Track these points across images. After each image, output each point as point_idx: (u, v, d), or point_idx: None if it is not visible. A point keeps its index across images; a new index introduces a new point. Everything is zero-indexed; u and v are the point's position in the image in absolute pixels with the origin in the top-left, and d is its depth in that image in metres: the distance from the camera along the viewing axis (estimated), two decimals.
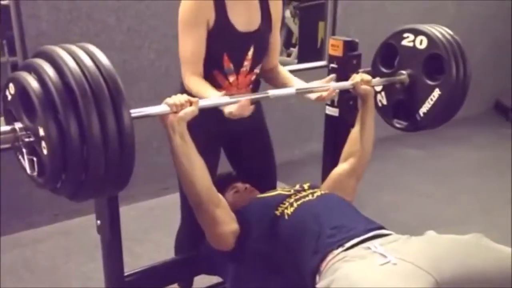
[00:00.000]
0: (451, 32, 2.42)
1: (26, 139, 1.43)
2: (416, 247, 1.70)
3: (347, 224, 1.91)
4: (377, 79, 2.49)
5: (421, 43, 2.39)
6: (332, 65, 2.68)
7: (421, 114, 2.43)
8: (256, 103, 2.43)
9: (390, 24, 5.45)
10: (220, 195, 2.07)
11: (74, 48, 1.47)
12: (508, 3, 6.51)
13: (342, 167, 2.38)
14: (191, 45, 2.19)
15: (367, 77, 2.39)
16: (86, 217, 3.33)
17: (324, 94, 2.26)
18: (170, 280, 2.37)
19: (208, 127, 2.21)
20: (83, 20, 3.67)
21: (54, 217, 3.65)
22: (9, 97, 1.47)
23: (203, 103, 1.96)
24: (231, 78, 2.30)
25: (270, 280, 2.09)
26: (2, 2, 3.48)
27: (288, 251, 1.96)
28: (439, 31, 2.40)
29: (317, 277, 1.80)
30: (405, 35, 2.44)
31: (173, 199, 2.60)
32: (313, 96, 2.29)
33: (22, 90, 1.40)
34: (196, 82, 2.18)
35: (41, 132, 1.37)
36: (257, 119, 2.48)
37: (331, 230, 1.88)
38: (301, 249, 1.90)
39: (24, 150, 1.46)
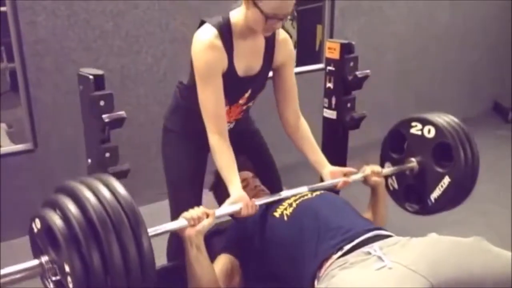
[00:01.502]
0: (457, 120, 2.44)
1: (54, 277, 1.52)
2: (414, 250, 1.69)
3: (346, 224, 1.91)
4: (388, 169, 2.52)
5: (429, 132, 2.42)
6: (329, 67, 2.69)
7: (432, 200, 2.46)
8: (245, 112, 2.44)
9: (387, 26, 5.54)
10: (222, 285, 2.06)
11: (94, 182, 1.55)
12: (506, 4, 6.52)
13: None
14: (213, 100, 2.16)
15: (378, 168, 2.42)
16: None
17: (338, 186, 2.31)
18: (166, 285, 2.36)
19: (199, 134, 2.22)
20: (81, 26, 3.67)
21: None
22: (35, 230, 1.55)
23: (219, 213, 1.99)
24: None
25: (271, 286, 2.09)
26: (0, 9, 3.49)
27: (288, 253, 1.95)
28: (446, 120, 2.42)
29: (316, 282, 1.79)
30: (413, 124, 2.47)
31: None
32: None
33: (48, 228, 1.47)
34: (221, 152, 2.16)
35: (67, 268, 1.44)
36: (244, 127, 2.50)
37: (330, 231, 1.88)
38: (301, 251, 1.90)
39: (51, 284, 1.55)
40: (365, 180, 2.40)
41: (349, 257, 1.75)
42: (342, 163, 2.71)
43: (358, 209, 2.15)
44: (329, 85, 2.72)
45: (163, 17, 4.01)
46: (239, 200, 2.04)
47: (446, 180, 2.40)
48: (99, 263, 1.42)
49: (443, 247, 1.68)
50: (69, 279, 1.45)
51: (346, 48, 2.66)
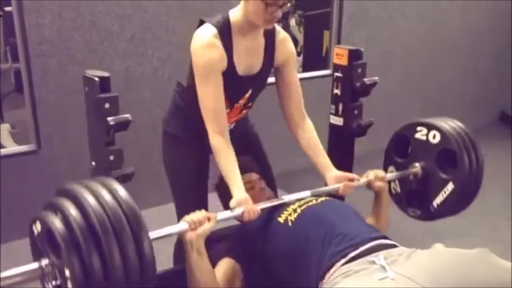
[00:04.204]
0: (462, 126, 2.42)
1: (54, 282, 1.51)
2: (418, 261, 1.68)
3: (351, 232, 1.89)
4: (391, 174, 2.50)
5: (434, 137, 2.39)
6: (337, 74, 2.66)
7: (435, 206, 2.43)
8: (241, 120, 2.43)
9: (395, 35, 5.51)
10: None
11: (96, 186, 1.54)
12: None
13: None
14: (212, 102, 2.14)
15: (381, 173, 2.40)
16: None
17: (341, 191, 2.28)
18: None
19: (200, 137, 2.20)
20: (86, 28, 3.66)
21: None
22: (36, 232, 1.54)
23: (220, 217, 1.98)
24: None
25: None
26: (6, 9, 3.48)
27: (292, 259, 1.93)
28: (451, 126, 2.39)
29: None
30: (418, 128, 2.45)
31: (174, 208, 2.57)
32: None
33: (48, 231, 1.46)
34: (221, 153, 2.14)
35: (67, 272, 1.43)
36: (244, 130, 2.51)
37: (335, 237, 1.86)
38: (305, 258, 1.88)
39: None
40: (368, 185, 2.38)
41: (353, 265, 1.74)
42: (348, 170, 2.67)
43: (362, 215, 2.13)
44: (337, 91, 2.70)
45: (170, 20, 4.00)
46: (241, 203, 2.03)
47: (450, 187, 2.37)
48: (99, 268, 1.41)
49: (446, 259, 1.67)
50: (69, 283, 1.44)
51: (355, 55, 2.63)
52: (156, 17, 3.95)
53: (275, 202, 2.16)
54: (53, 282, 1.51)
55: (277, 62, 2.30)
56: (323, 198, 2.15)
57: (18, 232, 3.22)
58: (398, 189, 2.58)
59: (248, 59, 2.22)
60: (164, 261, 2.55)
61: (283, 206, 2.12)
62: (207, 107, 2.15)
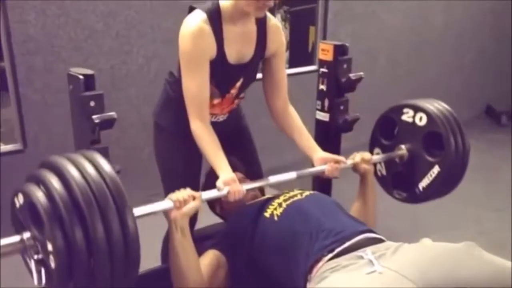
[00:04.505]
0: (449, 109, 2.42)
1: (36, 256, 1.49)
2: (405, 255, 1.70)
3: (337, 226, 1.90)
4: (377, 156, 2.50)
5: (421, 120, 2.40)
6: (322, 69, 2.66)
7: (420, 188, 2.44)
8: (234, 111, 2.42)
9: (380, 30, 5.53)
10: (205, 277, 2.01)
11: (79, 158, 1.53)
12: (499, 8, 6.55)
13: None
14: (196, 87, 2.12)
15: (367, 156, 2.41)
16: None
17: (326, 172, 2.27)
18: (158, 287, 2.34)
19: (185, 135, 2.20)
20: (71, 25, 3.64)
21: None
22: (17, 205, 1.52)
23: (205, 196, 1.98)
24: (216, 101, 2.27)
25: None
26: None
27: (280, 253, 1.94)
28: (438, 108, 2.39)
29: (308, 283, 1.79)
30: (405, 110, 2.45)
31: None
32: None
33: (31, 204, 1.45)
34: (203, 137, 2.13)
35: (49, 247, 1.42)
36: (236, 122, 2.50)
37: (322, 232, 1.87)
38: (293, 251, 1.89)
39: (32, 262, 1.51)
40: (354, 168, 2.38)
41: (341, 259, 1.75)
42: None
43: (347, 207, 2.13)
44: (322, 87, 2.69)
45: (155, 17, 3.99)
46: (227, 183, 2.01)
47: (436, 170, 2.37)
48: (83, 242, 1.40)
49: (433, 252, 1.69)
50: (51, 257, 1.42)
51: (340, 50, 2.63)
52: (141, 14, 3.93)
53: (261, 183, 2.18)
54: (35, 256, 1.49)
55: (268, 51, 2.29)
56: (308, 193, 2.16)
57: (3, 231, 3.19)
58: (384, 172, 2.58)
59: (240, 47, 2.20)
60: (153, 261, 2.56)
61: (269, 201, 2.12)
62: (190, 93, 2.13)
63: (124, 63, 3.93)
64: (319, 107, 2.70)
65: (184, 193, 1.91)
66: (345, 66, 2.64)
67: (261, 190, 2.45)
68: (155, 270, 2.37)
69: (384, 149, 2.54)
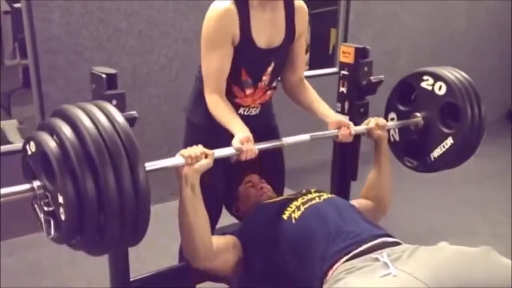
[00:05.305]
0: (469, 79, 2.41)
1: (46, 208, 1.47)
2: (420, 258, 1.70)
3: (355, 229, 1.91)
4: (392, 123, 2.50)
5: (440, 89, 2.37)
6: (343, 72, 2.66)
7: (432, 158, 2.42)
8: (266, 106, 2.42)
9: (401, 32, 5.50)
10: (215, 248, 2.00)
11: (93, 109, 1.51)
12: None
13: (363, 203, 2.37)
14: (215, 63, 2.14)
15: (382, 121, 2.41)
16: None
17: (340, 136, 2.28)
18: (175, 286, 2.36)
19: (218, 131, 2.18)
20: (94, 24, 3.68)
21: None
22: (29, 152, 1.50)
23: (218, 154, 1.96)
24: (248, 91, 2.28)
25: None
26: (14, 5, 3.50)
27: (297, 256, 1.94)
28: (458, 78, 2.38)
29: (323, 285, 1.79)
30: (425, 77, 2.44)
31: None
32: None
33: (43, 153, 1.43)
34: (218, 106, 2.15)
35: (60, 199, 1.40)
36: (268, 119, 2.50)
37: (340, 234, 1.88)
38: (310, 254, 1.89)
39: (41, 212, 1.50)
40: (368, 133, 2.39)
41: (356, 261, 1.76)
42: (353, 168, 2.69)
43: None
44: (343, 89, 2.69)
45: (177, 17, 4.01)
46: (242, 141, 2.01)
47: (449, 142, 2.36)
48: (94, 194, 1.39)
49: (448, 256, 1.68)
50: (61, 209, 1.41)
51: (361, 53, 2.63)
52: (163, 13, 3.96)
53: (275, 143, 2.20)
54: (45, 208, 1.48)
55: (297, 34, 2.31)
56: (326, 196, 2.16)
57: (18, 229, 3.24)
58: (397, 138, 2.57)
59: (269, 31, 2.21)
60: (170, 260, 2.58)
61: (287, 202, 2.12)
62: (208, 68, 2.16)
63: (145, 63, 3.96)
64: (339, 110, 2.70)
65: (196, 149, 1.90)
66: (366, 69, 2.63)
67: (278, 191, 2.46)
68: (173, 268, 2.38)
69: (399, 115, 2.53)
